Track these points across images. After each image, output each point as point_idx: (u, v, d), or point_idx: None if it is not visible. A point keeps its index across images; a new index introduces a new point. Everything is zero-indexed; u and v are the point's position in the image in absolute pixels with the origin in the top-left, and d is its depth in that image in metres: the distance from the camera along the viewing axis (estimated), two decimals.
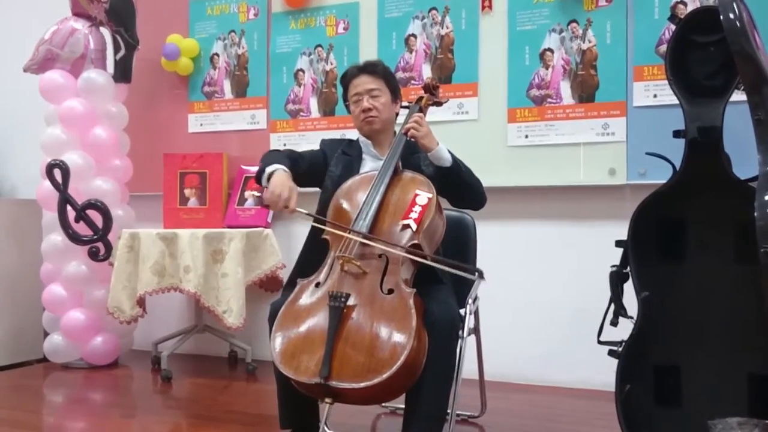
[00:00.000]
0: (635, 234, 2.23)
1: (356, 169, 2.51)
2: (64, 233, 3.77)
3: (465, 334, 2.40)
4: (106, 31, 4.03)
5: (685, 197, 2.19)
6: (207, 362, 4.07)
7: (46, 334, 4.01)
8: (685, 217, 2.22)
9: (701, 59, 2.16)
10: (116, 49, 4.03)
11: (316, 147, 2.67)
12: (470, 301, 2.54)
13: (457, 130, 3.59)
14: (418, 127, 2.36)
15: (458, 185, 2.42)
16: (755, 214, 1.81)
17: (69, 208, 3.77)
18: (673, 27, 2.24)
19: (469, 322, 2.48)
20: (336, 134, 3.84)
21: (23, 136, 4.57)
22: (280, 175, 2.26)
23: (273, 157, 2.38)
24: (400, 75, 3.72)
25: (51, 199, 3.80)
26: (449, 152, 2.40)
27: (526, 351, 3.50)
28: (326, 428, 2.54)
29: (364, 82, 2.50)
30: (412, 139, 2.38)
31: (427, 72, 3.69)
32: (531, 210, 3.55)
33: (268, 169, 2.29)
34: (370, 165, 2.52)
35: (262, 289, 3.88)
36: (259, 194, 2.33)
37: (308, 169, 2.48)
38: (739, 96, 2.18)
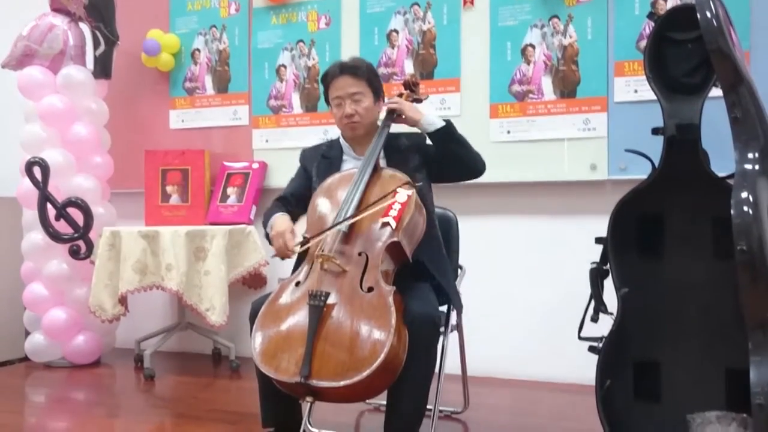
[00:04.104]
0: (614, 231, 2.24)
1: (336, 170, 2.49)
2: (45, 231, 3.74)
3: (448, 331, 2.42)
4: (85, 27, 3.99)
5: (663, 194, 2.20)
6: (190, 360, 4.05)
7: (27, 334, 3.97)
8: (664, 213, 2.23)
9: (679, 56, 2.16)
10: (96, 45, 3.99)
11: (298, 144, 2.68)
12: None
13: None
14: (399, 104, 2.43)
15: (456, 145, 2.41)
16: (732, 211, 1.82)
17: (49, 206, 3.73)
18: (652, 24, 2.25)
19: (452, 319, 2.50)
20: (318, 130, 3.83)
21: (2, 134, 4.52)
22: (275, 225, 2.35)
23: (269, 214, 2.48)
24: (382, 70, 3.71)
25: (31, 197, 3.77)
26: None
27: (509, 346, 3.51)
28: (309, 426, 2.54)
29: (346, 85, 2.44)
30: (397, 115, 2.43)
31: (409, 67, 3.69)
32: (513, 205, 3.55)
33: (269, 228, 2.40)
34: (350, 165, 2.51)
35: (245, 286, 3.87)
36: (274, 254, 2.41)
37: (297, 200, 2.53)
38: (717, 92, 2.19)
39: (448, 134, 2.40)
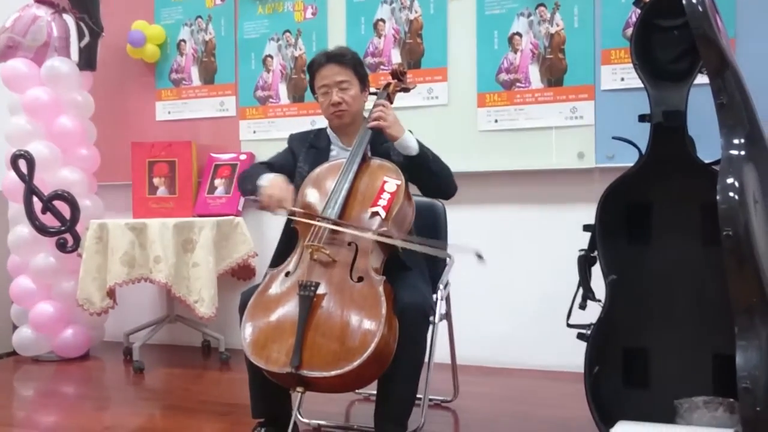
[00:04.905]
0: (602, 218, 2.25)
1: (325, 160, 2.48)
2: (31, 225, 3.72)
3: (437, 320, 2.42)
4: (69, 18, 3.95)
5: (650, 181, 2.21)
6: (180, 352, 4.05)
7: (14, 328, 3.95)
8: (652, 200, 2.24)
9: (665, 43, 2.17)
10: (80, 37, 3.96)
11: (286, 134, 2.67)
12: (441, 286, 2.56)
13: (428, 115, 3.59)
14: (384, 117, 2.35)
15: (426, 174, 2.39)
16: (717, 197, 1.83)
17: (35, 199, 3.71)
18: (638, 11, 2.25)
19: (441, 308, 2.50)
20: (305, 121, 3.82)
21: None
22: (275, 177, 2.32)
23: (256, 170, 2.42)
24: (369, 60, 3.70)
25: (17, 190, 3.74)
26: (417, 141, 2.38)
27: (499, 335, 3.52)
28: (299, 416, 2.55)
29: (332, 73, 2.42)
30: (378, 130, 2.37)
31: (396, 57, 3.68)
32: (501, 194, 3.56)
33: (263, 181, 2.31)
34: (338, 155, 2.49)
35: (234, 277, 3.86)
36: (255, 198, 2.36)
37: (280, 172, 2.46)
38: (703, 79, 2.19)
39: (418, 163, 2.36)
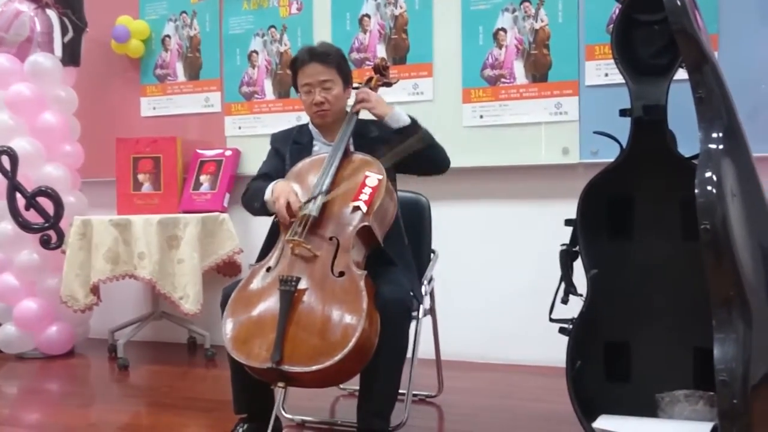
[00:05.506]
0: (584, 213, 2.25)
1: (307, 155, 2.46)
2: (14, 221, 3.70)
3: (420, 315, 2.42)
4: (52, 13, 3.92)
5: (631, 175, 2.22)
6: (165, 349, 4.03)
7: None
8: (633, 195, 2.24)
9: (646, 38, 2.18)
10: (64, 32, 3.94)
11: (271, 130, 2.67)
12: (426, 281, 2.56)
13: (413, 110, 3.44)
14: (366, 99, 2.36)
15: (421, 145, 2.36)
16: (696, 191, 1.83)
17: (18, 195, 3.69)
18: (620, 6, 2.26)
19: (425, 303, 2.50)
20: (291, 116, 3.79)
21: None
22: (274, 185, 2.32)
23: (257, 187, 2.41)
24: (354, 56, 3.70)
25: None
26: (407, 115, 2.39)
27: (483, 330, 3.53)
28: (283, 412, 2.55)
29: (316, 72, 2.39)
30: (366, 110, 2.38)
31: (381, 53, 3.67)
32: (485, 190, 3.56)
33: (266, 195, 2.31)
34: (321, 150, 2.48)
35: (219, 274, 3.85)
36: (267, 212, 2.36)
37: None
38: (684, 74, 2.20)
39: (413, 133, 2.36)
